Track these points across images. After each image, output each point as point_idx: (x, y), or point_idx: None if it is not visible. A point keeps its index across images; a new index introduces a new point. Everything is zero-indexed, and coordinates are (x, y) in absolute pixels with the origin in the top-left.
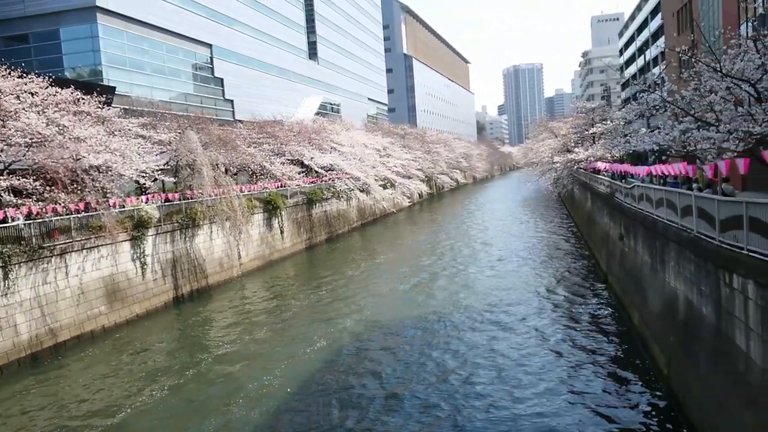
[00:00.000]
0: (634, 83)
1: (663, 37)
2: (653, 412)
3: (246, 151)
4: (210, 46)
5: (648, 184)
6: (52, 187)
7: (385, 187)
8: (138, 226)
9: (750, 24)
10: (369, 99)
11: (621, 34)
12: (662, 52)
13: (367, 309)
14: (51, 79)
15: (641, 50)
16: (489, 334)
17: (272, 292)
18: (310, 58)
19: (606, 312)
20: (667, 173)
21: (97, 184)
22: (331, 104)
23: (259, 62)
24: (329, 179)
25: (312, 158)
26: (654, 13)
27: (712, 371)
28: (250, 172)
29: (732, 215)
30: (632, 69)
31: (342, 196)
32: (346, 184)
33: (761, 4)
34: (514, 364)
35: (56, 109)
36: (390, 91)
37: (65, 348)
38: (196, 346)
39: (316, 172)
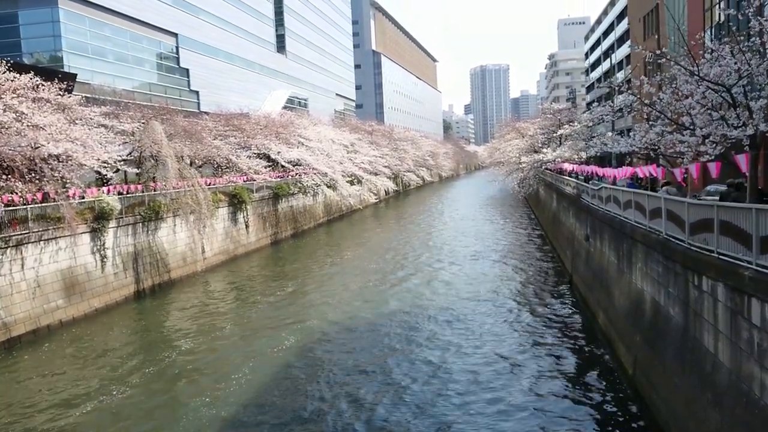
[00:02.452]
0: (599, 86)
1: (629, 41)
2: (619, 413)
3: (212, 143)
4: (176, 35)
5: (616, 186)
6: (9, 176)
7: (352, 183)
8: (98, 218)
9: (711, 31)
10: (337, 94)
11: (587, 38)
12: (627, 56)
13: (331, 306)
14: (9, 64)
15: (607, 54)
16: (449, 334)
17: (236, 288)
18: (278, 52)
19: (570, 311)
20: (642, 175)
21: (56, 174)
22: (298, 99)
23: (226, 54)
24: (296, 174)
25: (279, 152)
26: (620, 18)
27: (679, 371)
28: (216, 165)
29: (702, 218)
30: (597, 72)
31: (309, 192)
32: (313, 180)
33: (719, 13)
34: (473, 365)
35: (14, 95)
36: (358, 87)
37: (20, 343)
38: (156, 342)
39: (283, 166)
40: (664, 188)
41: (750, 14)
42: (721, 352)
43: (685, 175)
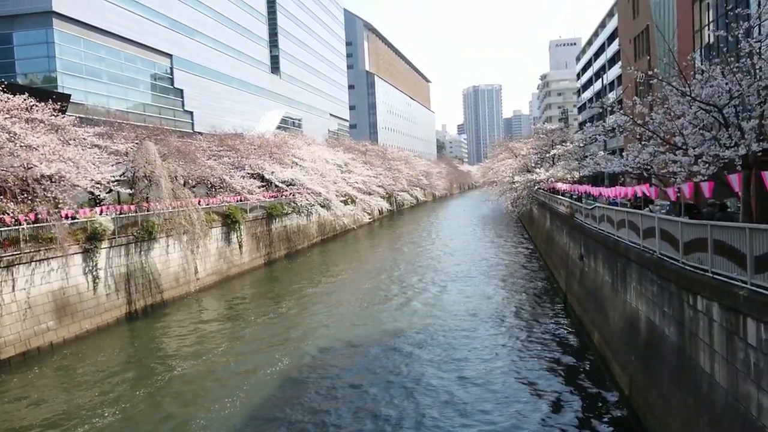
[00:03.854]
0: (591, 106)
1: (620, 62)
2: None
3: (205, 163)
4: (170, 56)
5: (608, 206)
6: (1, 197)
7: (346, 203)
8: (91, 239)
9: (701, 52)
10: (331, 115)
11: (578, 59)
12: (619, 77)
13: (325, 327)
14: (3, 85)
15: (598, 75)
16: (445, 356)
17: (229, 309)
18: (272, 72)
19: (565, 331)
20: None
21: (48, 194)
22: (292, 119)
23: (221, 74)
24: (290, 194)
25: (273, 172)
26: (611, 39)
27: (675, 392)
28: (209, 185)
29: (696, 238)
30: (589, 93)
31: (302, 212)
32: (307, 200)
33: (708, 34)
34: (470, 385)
35: (7, 115)
36: (352, 108)
37: (9, 365)
38: (147, 364)
39: (277, 186)
40: (657, 207)
41: (740, 36)
42: (718, 372)
43: (678, 195)
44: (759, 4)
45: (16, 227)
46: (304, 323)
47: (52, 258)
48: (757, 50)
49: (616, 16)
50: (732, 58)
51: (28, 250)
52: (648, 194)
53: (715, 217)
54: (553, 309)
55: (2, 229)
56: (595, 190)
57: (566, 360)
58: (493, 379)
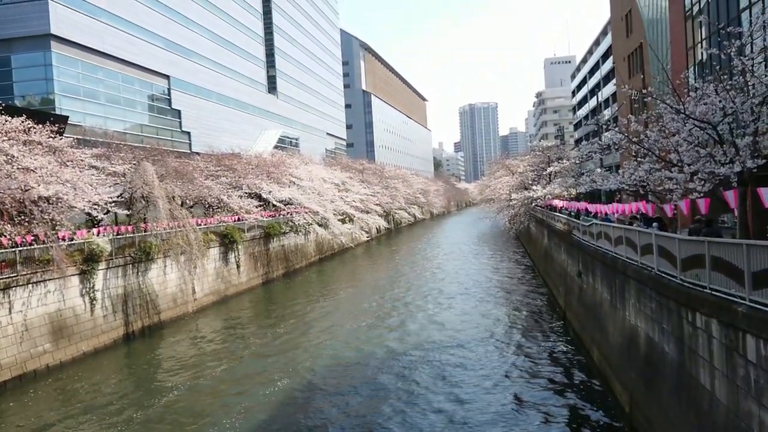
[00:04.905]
0: (586, 123)
1: (614, 79)
2: None
3: (203, 183)
4: (168, 77)
5: (606, 222)
6: None
7: (343, 221)
8: (88, 260)
9: (694, 69)
10: (328, 134)
11: (573, 77)
12: (614, 94)
13: (324, 348)
14: (0, 108)
15: (593, 92)
16: (445, 374)
17: (227, 330)
18: (269, 92)
19: (565, 348)
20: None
21: (46, 216)
22: (290, 138)
23: (218, 95)
24: (288, 213)
25: (270, 192)
26: (605, 57)
27: (676, 409)
28: (207, 205)
29: (694, 254)
30: (584, 110)
31: (300, 231)
32: (305, 219)
33: (701, 52)
34: (469, 403)
35: (5, 138)
36: (349, 127)
37: (5, 389)
38: (144, 387)
39: (275, 205)
40: (654, 225)
41: (732, 54)
42: (718, 389)
43: (675, 212)
44: (750, 23)
45: (13, 249)
46: (302, 344)
47: (49, 280)
48: (750, 68)
49: (609, 34)
50: (725, 76)
51: (25, 272)
52: (644, 211)
53: (702, 232)
54: (553, 326)
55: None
56: (592, 207)
57: (566, 377)
58: (492, 398)
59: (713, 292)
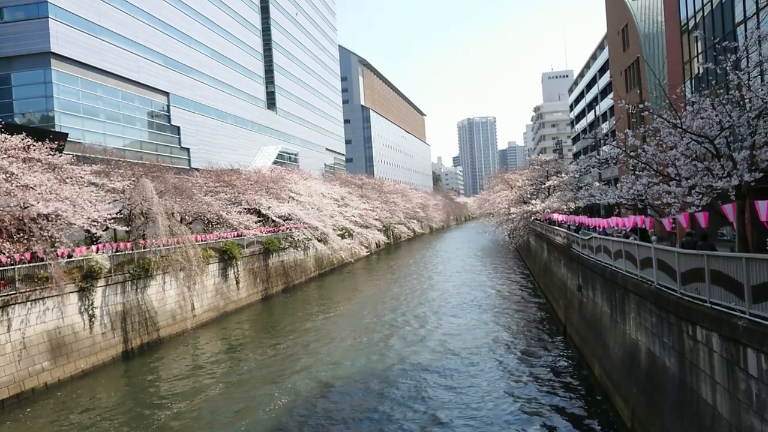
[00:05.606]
0: (584, 137)
1: (611, 93)
2: None
3: (202, 199)
4: (167, 93)
5: (605, 236)
6: None
7: (343, 236)
8: (87, 277)
9: (691, 82)
10: (327, 149)
11: (571, 91)
12: (611, 108)
13: (323, 364)
14: (0, 125)
15: (591, 106)
16: (446, 390)
17: (226, 346)
18: (268, 108)
19: (566, 363)
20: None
21: (45, 233)
22: (289, 154)
23: (217, 111)
24: (287, 228)
25: (269, 207)
26: (602, 71)
27: (678, 424)
28: (206, 221)
29: (693, 268)
30: (582, 124)
31: (299, 246)
32: (304, 234)
33: (698, 65)
34: (471, 420)
35: (5, 155)
36: (348, 142)
37: (3, 407)
38: (144, 405)
39: (274, 221)
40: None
41: (728, 68)
42: (720, 404)
43: (674, 225)
44: (746, 37)
45: (12, 266)
46: (302, 360)
47: (48, 297)
48: (746, 82)
49: (606, 48)
50: (721, 90)
51: (24, 290)
52: (641, 225)
53: (697, 246)
54: (553, 341)
55: None
56: (591, 221)
57: (568, 392)
58: (493, 414)
59: (713, 306)
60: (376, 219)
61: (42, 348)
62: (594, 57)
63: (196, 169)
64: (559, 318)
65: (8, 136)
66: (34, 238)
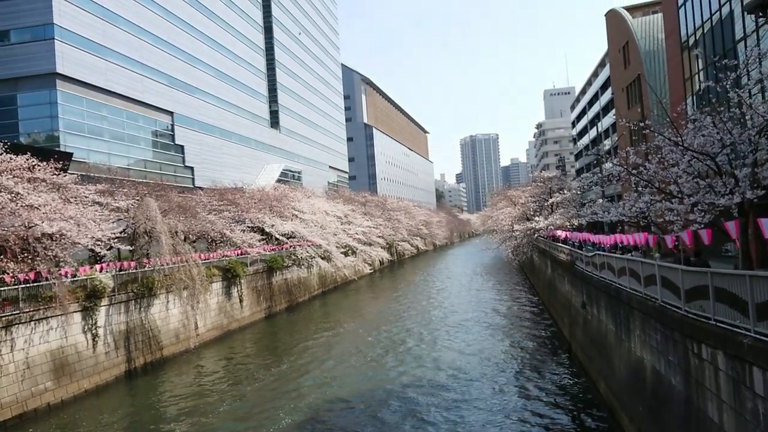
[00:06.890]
0: (587, 153)
1: (614, 110)
2: None
3: (206, 218)
4: (171, 113)
5: (608, 253)
6: (1, 256)
7: (346, 254)
8: (91, 297)
9: (693, 99)
10: (330, 167)
11: (573, 107)
12: (613, 124)
13: (327, 384)
14: (6, 146)
15: (593, 122)
16: (450, 409)
17: (229, 365)
18: (272, 127)
19: (571, 381)
20: (627, 242)
21: (49, 253)
22: (292, 172)
23: (221, 130)
24: (290, 246)
25: (273, 225)
26: (604, 88)
27: None
28: (210, 240)
29: (697, 285)
30: (585, 140)
31: (303, 264)
32: (308, 252)
33: (699, 82)
34: None
35: (10, 176)
36: (351, 160)
37: (5, 428)
38: (146, 425)
39: (277, 239)
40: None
41: (728, 86)
42: (726, 422)
43: (677, 242)
44: (746, 54)
45: (16, 286)
46: (305, 379)
47: (52, 317)
48: (746, 100)
49: (607, 65)
50: (722, 108)
51: (27, 310)
52: (643, 242)
53: (690, 262)
54: (558, 358)
55: (2, 288)
56: (594, 238)
57: (573, 410)
58: (498, 430)
59: (718, 324)
60: (379, 236)
61: (45, 368)
62: (595, 74)
63: (200, 188)
64: (563, 335)
65: (13, 157)
66: (38, 258)
